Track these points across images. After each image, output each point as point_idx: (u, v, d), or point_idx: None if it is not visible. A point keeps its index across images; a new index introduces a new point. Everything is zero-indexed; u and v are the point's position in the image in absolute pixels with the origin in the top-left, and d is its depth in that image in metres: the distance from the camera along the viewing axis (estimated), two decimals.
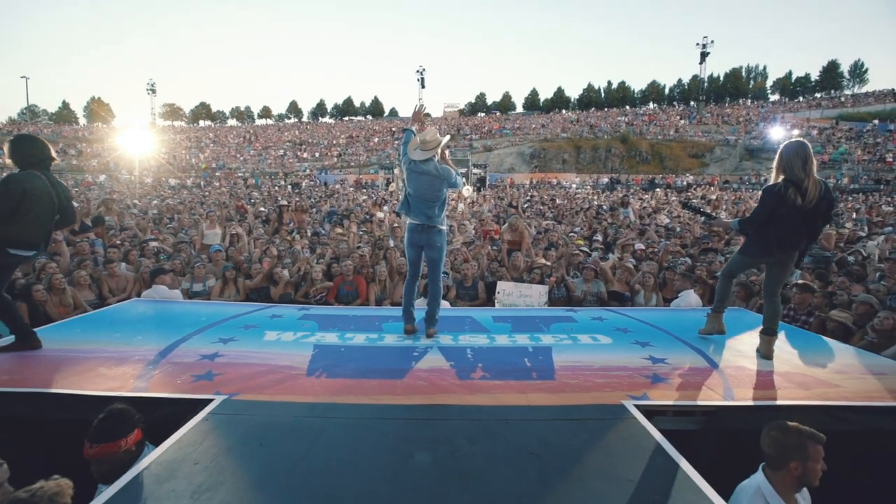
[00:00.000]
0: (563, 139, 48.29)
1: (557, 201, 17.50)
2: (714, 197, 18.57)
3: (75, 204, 3.39)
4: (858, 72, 64.66)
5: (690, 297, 5.12)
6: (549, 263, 6.21)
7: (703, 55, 51.10)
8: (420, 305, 3.97)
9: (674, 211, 13.73)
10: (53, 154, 3.23)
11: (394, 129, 56.23)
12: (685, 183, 33.98)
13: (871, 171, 32.49)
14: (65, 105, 76.47)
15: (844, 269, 5.78)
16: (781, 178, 3.05)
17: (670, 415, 2.51)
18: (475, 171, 30.23)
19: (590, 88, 74.94)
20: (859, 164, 33.86)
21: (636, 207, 12.95)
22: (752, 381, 2.83)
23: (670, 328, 3.87)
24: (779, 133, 31.88)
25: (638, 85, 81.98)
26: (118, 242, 7.13)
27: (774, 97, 68.46)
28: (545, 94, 77.23)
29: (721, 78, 70.29)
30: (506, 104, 77.03)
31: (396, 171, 24.84)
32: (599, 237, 8.73)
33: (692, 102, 62.14)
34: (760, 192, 3.18)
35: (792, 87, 67.54)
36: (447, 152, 3.77)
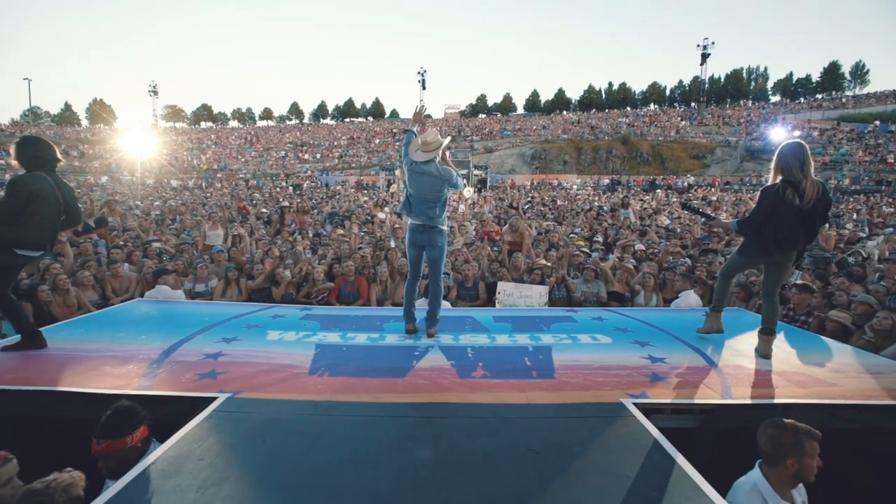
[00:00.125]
0: (564, 140, 48.36)
1: (558, 202, 17.53)
2: (715, 198, 18.59)
3: (79, 205, 3.44)
4: (859, 73, 64.67)
5: (691, 298, 5.14)
6: (549, 264, 6.24)
7: (704, 56, 51.17)
8: (421, 306, 4.00)
9: (674, 212, 13.74)
10: (59, 155, 3.27)
11: (395, 130, 56.35)
12: (686, 184, 33.99)
13: (872, 173, 32.48)
14: (67, 107, 76.79)
15: (844, 269, 5.80)
16: (779, 178, 3.08)
17: (669, 413, 2.54)
18: (476, 172, 30.28)
19: (591, 90, 75.03)
20: (860, 165, 33.85)
21: (636, 208, 12.99)
22: (751, 380, 2.86)
23: (670, 328, 3.90)
24: (780, 134, 31.87)
25: (639, 86, 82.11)
26: (121, 243, 7.18)
27: (775, 98, 68.47)
28: (546, 95, 77.51)
29: (722, 79, 70.35)
30: (507, 105, 77.15)
31: (397, 172, 24.89)
32: (600, 238, 8.76)
33: (693, 104, 62.19)
34: (758, 193, 3.21)
35: (793, 89, 67.52)
36: (448, 153, 3.80)
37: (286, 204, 11.83)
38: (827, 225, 9.49)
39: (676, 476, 1.87)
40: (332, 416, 2.36)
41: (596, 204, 16.51)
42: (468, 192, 7.31)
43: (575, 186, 34.68)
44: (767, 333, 3.25)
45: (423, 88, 53.86)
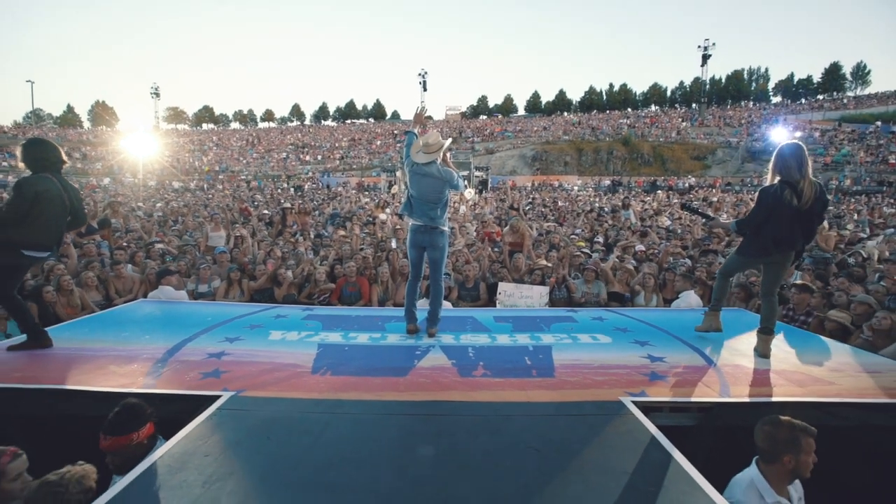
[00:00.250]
0: (565, 141, 48.40)
1: (559, 203, 17.57)
2: (716, 199, 18.61)
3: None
4: (861, 73, 64.66)
5: (691, 298, 5.16)
6: (549, 265, 6.26)
7: (705, 57, 51.31)
8: (422, 306, 4.04)
9: (675, 213, 13.76)
10: (64, 157, 3.31)
11: (396, 131, 56.45)
12: (687, 185, 34.01)
13: (873, 173, 32.45)
14: (69, 109, 77.11)
15: (845, 270, 5.82)
16: (777, 179, 3.11)
17: (667, 411, 2.56)
18: (477, 173, 30.35)
19: (591, 91, 75.11)
20: (862, 165, 33.82)
21: (637, 209, 13.01)
22: (749, 379, 2.88)
23: (669, 328, 3.92)
24: (781, 135, 31.91)
25: (640, 87, 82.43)
26: (124, 244, 7.22)
27: (776, 99, 68.45)
28: (547, 96, 77.68)
29: (723, 80, 70.37)
30: (507, 107, 77.26)
31: (398, 173, 24.95)
32: (600, 239, 8.79)
33: (694, 105, 62.28)
34: (756, 194, 3.24)
35: (794, 89, 67.47)
36: (448, 155, 3.83)
37: (288, 205, 11.88)
38: (828, 226, 9.52)
39: (674, 472, 1.90)
40: (335, 413, 2.39)
41: (597, 205, 16.54)
42: (469, 193, 7.37)
43: (576, 187, 34.70)
44: (766, 333, 3.27)
45: (424, 90, 54.01)
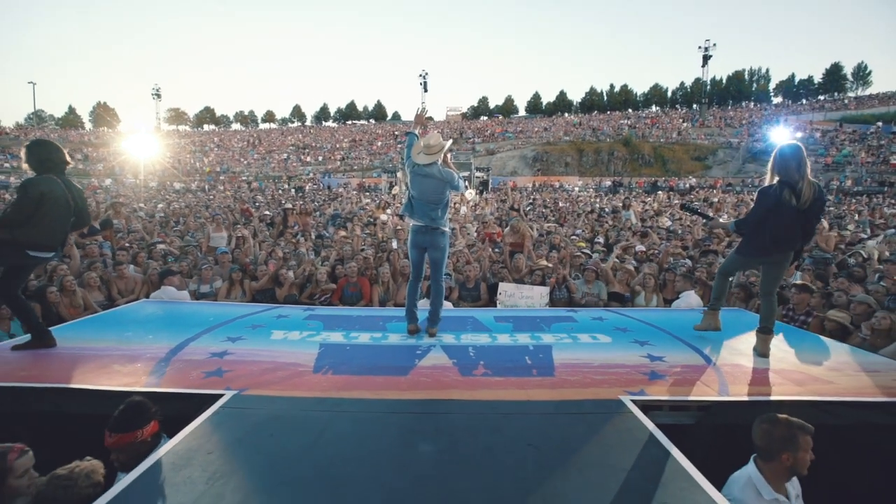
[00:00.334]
0: (566, 142, 48.43)
1: (560, 204, 17.58)
2: (716, 199, 18.61)
3: None
4: (862, 74, 64.61)
5: (691, 298, 5.18)
6: (550, 265, 6.28)
7: (706, 58, 51.29)
8: (423, 306, 4.06)
9: (676, 213, 13.78)
10: (68, 158, 3.34)
11: (396, 132, 56.52)
12: (688, 186, 33.98)
13: (874, 174, 32.39)
14: (71, 110, 77.29)
15: (845, 270, 5.83)
16: (776, 179, 3.13)
17: (666, 409, 2.58)
18: (478, 174, 30.40)
19: (592, 92, 75.14)
20: (863, 166, 33.78)
21: (638, 210, 13.03)
22: (748, 378, 2.90)
23: (669, 328, 3.94)
24: (782, 136, 31.92)
25: (640, 88, 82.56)
26: (126, 245, 7.25)
27: (777, 100, 68.43)
28: (548, 97, 77.69)
29: (724, 81, 70.37)
30: (508, 108, 77.32)
31: (399, 174, 25.00)
32: (601, 239, 8.80)
33: (695, 105, 62.23)
34: (755, 194, 3.26)
35: (795, 90, 67.45)
36: (449, 156, 3.86)
37: (289, 206, 11.91)
38: (828, 226, 9.53)
39: (673, 470, 1.92)
40: (336, 412, 2.41)
41: (597, 206, 16.56)
42: (470, 194, 7.39)
43: (576, 188, 34.71)
44: (765, 332, 3.29)
45: (425, 91, 54.06)
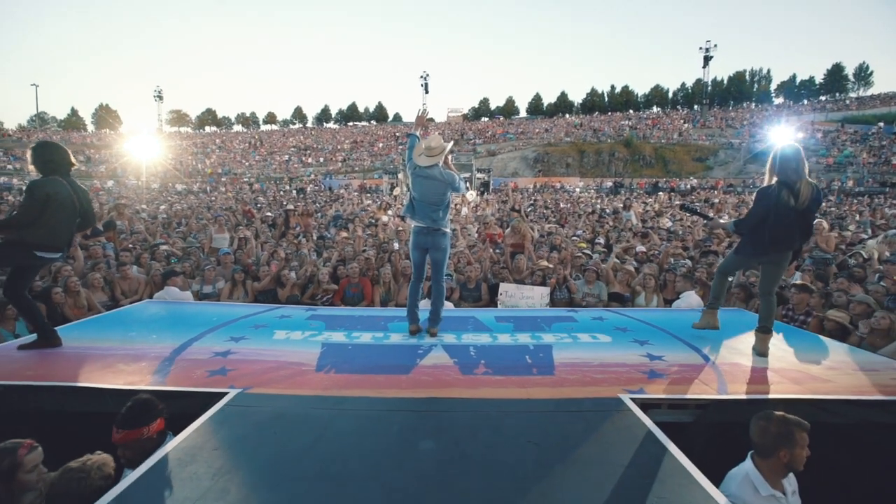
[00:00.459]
0: (567, 143, 48.43)
1: (561, 205, 17.60)
2: (717, 200, 18.62)
3: None
4: (863, 75, 64.55)
5: (692, 298, 5.20)
6: (550, 266, 6.31)
7: (707, 59, 51.29)
8: (424, 307, 4.09)
9: (676, 214, 13.79)
10: (73, 160, 3.39)
11: (398, 134, 56.61)
12: (689, 186, 33.97)
13: (876, 174, 32.37)
14: (73, 112, 77.64)
15: (845, 270, 5.84)
16: (774, 180, 3.16)
17: (665, 408, 2.61)
18: (479, 175, 30.44)
19: (593, 93, 75.18)
20: (864, 166, 33.75)
21: (639, 210, 13.05)
22: (746, 377, 2.92)
23: (669, 327, 3.97)
24: (783, 136, 31.87)
25: (641, 89, 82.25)
26: (129, 246, 7.30)
27: (779, 100, 68.35)
28: (549, 98, 77.71)
29: (725, 81, 70.34)
30: (509, 109, 77.39)
31: (401, 175, 25.07)
32: (602, 240, 8.82)
33: (696, 106, 62.25)
34: (754, 194, 3.29)
35: (796, 90, 67.40)
36: (450, 157, 3.89)
37: (291, 207, 11.95)
38: (828, 226, 9.53)
39: (671, 467, 1.95)
40: (338, 410, 2.44)
41: (598, 206, 16.57)
42: (471, 195, 7.42)
43: (577, 189, 34.71)
44: (764, 332, 3.31)
45: (426, 92, 54.22)
